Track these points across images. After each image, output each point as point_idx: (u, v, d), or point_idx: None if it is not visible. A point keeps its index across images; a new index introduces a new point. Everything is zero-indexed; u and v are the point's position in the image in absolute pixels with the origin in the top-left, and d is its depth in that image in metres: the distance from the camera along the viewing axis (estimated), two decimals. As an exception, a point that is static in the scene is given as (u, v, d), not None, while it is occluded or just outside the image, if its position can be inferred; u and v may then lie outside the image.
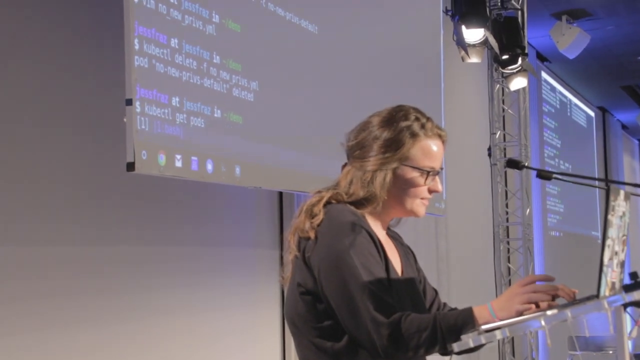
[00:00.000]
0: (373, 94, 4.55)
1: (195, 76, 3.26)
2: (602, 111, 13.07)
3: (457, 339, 2.00)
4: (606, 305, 1.86)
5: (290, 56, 3.95)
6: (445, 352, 2.13)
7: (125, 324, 3.56)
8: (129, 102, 2.89)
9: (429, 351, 2.14)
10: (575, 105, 11.65)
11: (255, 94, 3.63)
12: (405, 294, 2.30)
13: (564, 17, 8.27)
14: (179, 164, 3.12)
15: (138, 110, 2.91)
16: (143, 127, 2.93)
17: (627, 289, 1.98)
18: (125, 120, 2.88)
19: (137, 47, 2.92)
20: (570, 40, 8.26)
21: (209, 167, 3.31)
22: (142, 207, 3.66)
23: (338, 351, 2.20)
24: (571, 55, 8.46)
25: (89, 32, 3.46)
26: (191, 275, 3.93)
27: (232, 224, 4.20)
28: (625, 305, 2.04)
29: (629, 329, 2.16)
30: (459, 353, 2.04)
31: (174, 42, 3.14)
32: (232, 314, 4.16)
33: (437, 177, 2.36)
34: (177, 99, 3.14)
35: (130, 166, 2.88)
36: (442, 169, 2.37)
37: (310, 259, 2.21)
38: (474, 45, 6.58)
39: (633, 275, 2.05)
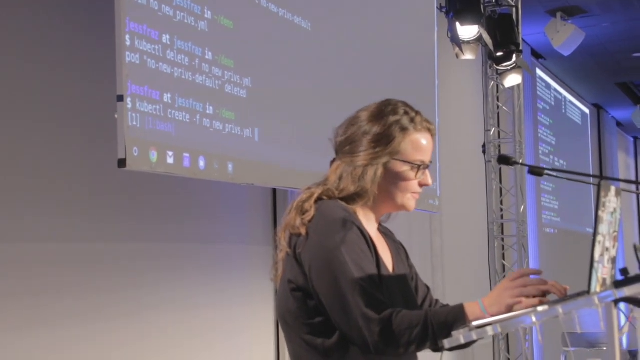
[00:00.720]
0: (366, 90, 4.53)
1: (187, 72, 3.24)
2: (597, 108, 13.10)
3: (448, 335, 2.00)
4: (596, 301, 1.86)
5: (283, 53, 3.94)
6: (436, 348, 2.14)
7: (118, 320, 3.56)
8: (120, 98, 2.88)
9: (419, 347, 2.15)
10: (570, 102, 11.66)
11: (248, 90, 3.62)
12: (396, 290, 2.31)
13: (558, 14, 8.27)
14: (170, 160, 3.11)
15: (129, 106, 2.89)
16: (134, 123, 2.92)
17: (617, 284, 1.97)
18: (116, 116, 2.86)
19: (128, 43, 2.90)
20: (565, 37, 8.27)
21: (201, 163, 3.29)
22: (134, 203, 3.65)
23: (329, 348, 2.20)
24: (566, 52, 8.46)
25: (81, 28, 3.44)
26: (184, 272, 3.94)
27: (226, 221, 4.20)
28: (617, 301, 2.01)
29: (622, 324, 2.12)
30: (450, 349, 2.06)
31: (165, 38, 3.12)
32: (225, 309, 4.17)
33: (427, 171, 2.37)
34: (169, 95, 3.12)
35: (122, 163, 2.87)
36: (431, 162, 2.38)
37: (301, 255, 2.21)
38: (468, 42, 6.58)
39: (624, 271, 2.03)
